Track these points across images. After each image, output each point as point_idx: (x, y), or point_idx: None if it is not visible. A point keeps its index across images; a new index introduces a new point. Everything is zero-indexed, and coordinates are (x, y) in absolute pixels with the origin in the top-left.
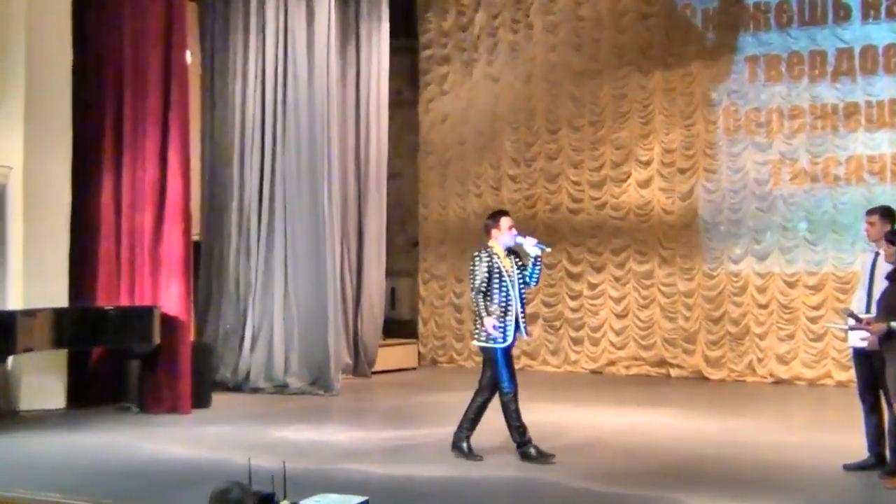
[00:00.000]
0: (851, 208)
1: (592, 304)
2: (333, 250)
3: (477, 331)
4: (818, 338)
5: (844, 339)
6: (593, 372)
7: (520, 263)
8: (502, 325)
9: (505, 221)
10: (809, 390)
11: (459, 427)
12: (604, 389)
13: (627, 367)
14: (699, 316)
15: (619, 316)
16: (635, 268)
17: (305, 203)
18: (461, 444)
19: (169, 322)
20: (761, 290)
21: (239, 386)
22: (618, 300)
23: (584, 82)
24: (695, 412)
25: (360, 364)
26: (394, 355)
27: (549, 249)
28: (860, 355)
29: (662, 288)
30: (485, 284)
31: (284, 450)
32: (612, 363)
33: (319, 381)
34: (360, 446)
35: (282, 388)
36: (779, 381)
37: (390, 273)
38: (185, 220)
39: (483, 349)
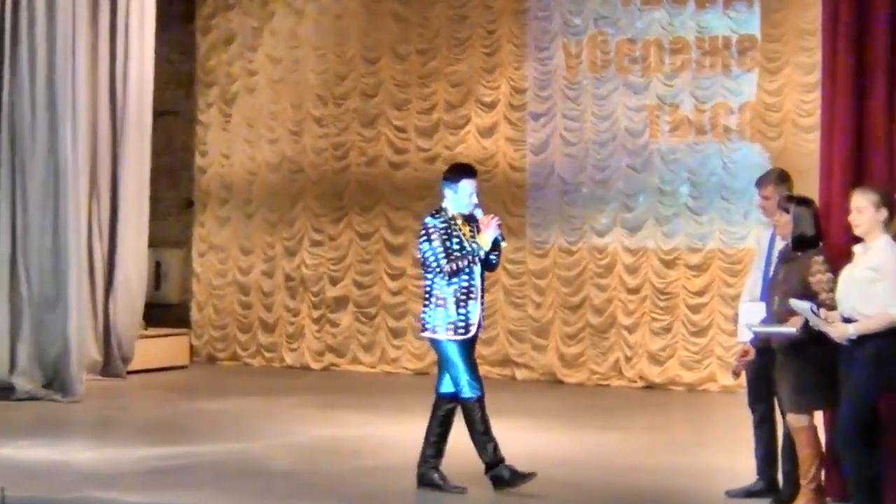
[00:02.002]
0: (745, 169)
1: (419, 286)
2: (77, 209)
3: (429, 318)
4: (701, 331)
5: (732, 334)
6: (418, 373)
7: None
8: (464, 311)
9: (466, 186)
10: (688, 397)
11: (422, 456)
12: (431, 395)
13: None
14: (553, 302)
15: None
16: None
17: (40, 146)
18: (431, 477)
19: None
20: (632, 271)
21: None
22: None
23: None
24: (546, 424)
25: (113, 361)
26: (158, 350)
27: (505, 244)
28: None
29: (507, 266)
30: (443, 259)
31: (7, 472)
32: None
33: (56, 383)
34: (110, 468)
35: (6, 392)
36: (651, 386)
37: (155, 242)
38: None
39: (436, 344)
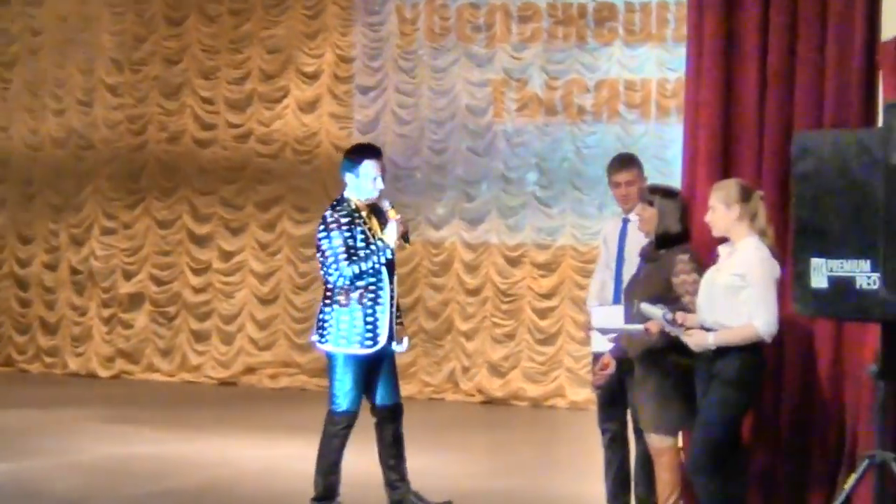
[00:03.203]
0: (601, 154)
1: (226, 283)
2: None
3: (328, 327)
4: (548, 339)
5: (584, 342)
6: (224, 383)
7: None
8: (372, 320)
9: (368, 169)
10: (533, 414)
11: (388, 485)
12: (239, 409)
13: (275, 377)
14: None
15: (266, 301)
16: (292, 230)
17: None
18: (409, 500)
19: None
20: (471, 269)
21: None
22: (264, 277)
23: None
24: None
25: None
26: None
27: (407, 245)
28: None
29: None
30: (343, 259)
31: None
32: (251, 370)
33: None
34: None
35: None
36: (491, 401)
37: None
38: None
39: (331, 357)
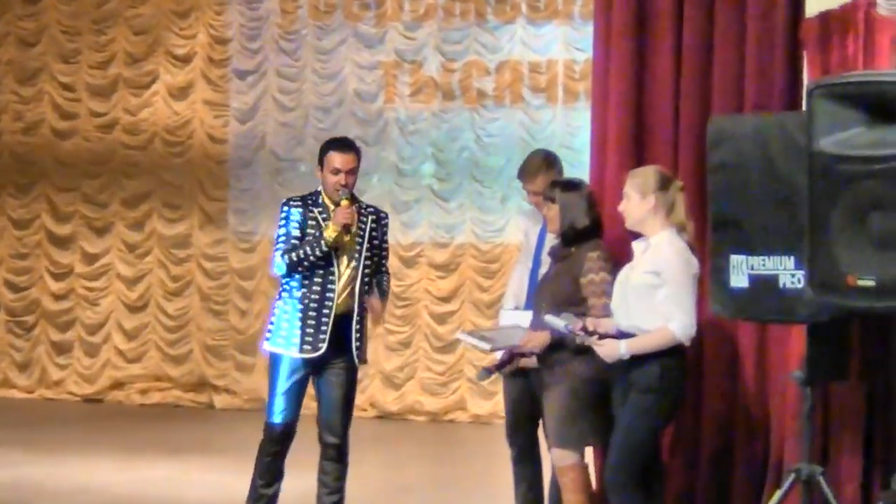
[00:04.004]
0: (503, 143)
1: (90, 289)
2: None
3: (271, 327)
4: (447, 347)
5: (488, 352)
6: (88, 399)
7: (367, 233)
8: (313, 324)
9: (331, 160)
10: (432, 429)
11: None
12: (105, 428)
13: (145, 393)
14: (262, 310)
15: (134, 308)
16: (162, 229)
17: None
18: None
19: None
20: None
21: None
22: (132, 282)
23: None
24: (249, 464)
25: None
26: None
27: (347, 238)
28: (513, 374)
29: (206, 263)
30: (281, 244)
31: None
32: (119, 385)
33: None
34: None
35: None
36: (384, 416)
37: None
38: None
39: (272, 359)
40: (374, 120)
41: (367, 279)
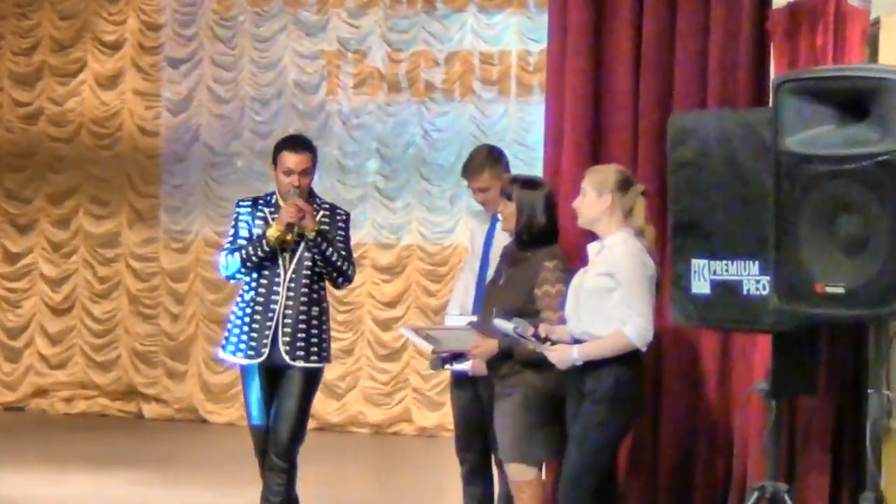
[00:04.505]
0: (453, 138)
1: (11, 290)
2: None
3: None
4: (392, 355)
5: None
6: (9, 408)
7: (321, 236)
8: (258, 326)
9: (284, 160)
10: (375, 442)
11: None
12: (27, 438)
13: (70, 401)
14: (196, 314)
15: (59, 311)
16: (89, 227)
17: None
18: None
19: None
20: None
21: None
22: (57, 283)
23: None
24: (181, 478)
25: None
26: None
27: (290, 238)
28: (461, 384)
29: (135, 264)
30: (225, 247)
31: None
32: (42, 393)
33: None
34: None
35: None
36: (325, 428)
37: None
38: None
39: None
40: (315, 113)
41: (314, 279)
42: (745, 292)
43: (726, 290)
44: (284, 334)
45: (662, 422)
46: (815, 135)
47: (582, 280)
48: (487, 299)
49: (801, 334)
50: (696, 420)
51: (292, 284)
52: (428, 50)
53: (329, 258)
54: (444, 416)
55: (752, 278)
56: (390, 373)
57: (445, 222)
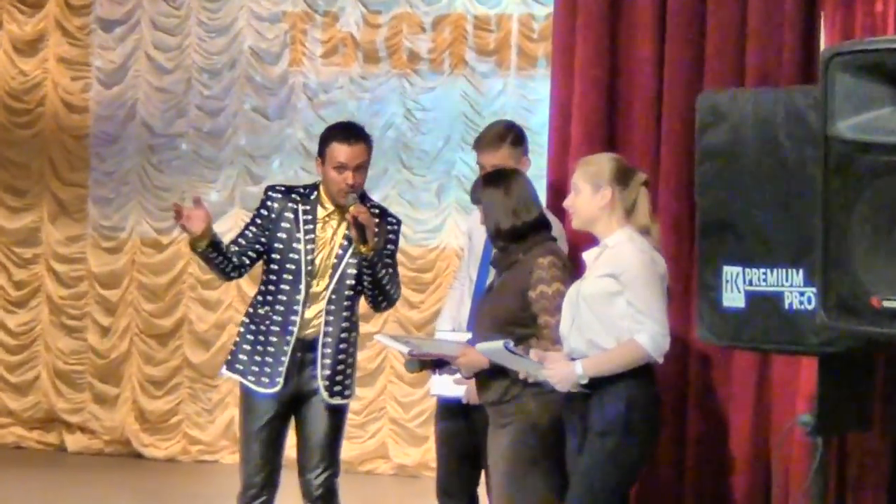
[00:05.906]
0: (441, 119)
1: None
2: None
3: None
4: (366, 377)
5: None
6: None
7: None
8: (262, 350)
9: (335, 152)
10: (346, 482)
11: None
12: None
13: None
14: (131, 326)
15: None
16: (3, 222)
17: None
18: None
19: None
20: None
21: None
22: None
23: None
24: None
25: None
26: None
27: (363, 249)
28: (450, 414)
29: (58, 266)
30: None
31: None
32: None
33: None
34: None
35: None
36: (289, 465)
37: None
38: None
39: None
40: (275, 87)
41: (355, 299)
42: (786, 306)
43: (764, 303)
44: (324, 367)
45: (686, 457)
46: (873, 119)
47: (579, 288)
48: (479, 310)
49: (854, 358)
50: (725, 456)
51: (332, 307)
52: (412, 12)
53: (381, 280)
54: (426, 453)
55: (794, 290)
56: (363, 399)
57: (431, 220)
